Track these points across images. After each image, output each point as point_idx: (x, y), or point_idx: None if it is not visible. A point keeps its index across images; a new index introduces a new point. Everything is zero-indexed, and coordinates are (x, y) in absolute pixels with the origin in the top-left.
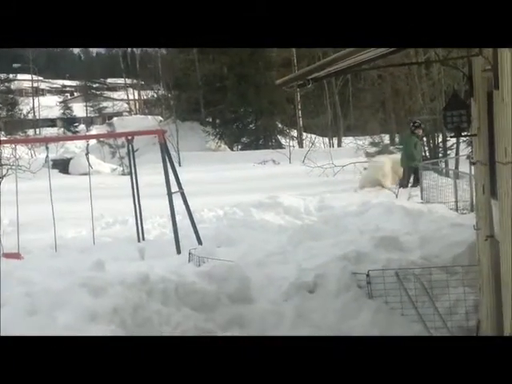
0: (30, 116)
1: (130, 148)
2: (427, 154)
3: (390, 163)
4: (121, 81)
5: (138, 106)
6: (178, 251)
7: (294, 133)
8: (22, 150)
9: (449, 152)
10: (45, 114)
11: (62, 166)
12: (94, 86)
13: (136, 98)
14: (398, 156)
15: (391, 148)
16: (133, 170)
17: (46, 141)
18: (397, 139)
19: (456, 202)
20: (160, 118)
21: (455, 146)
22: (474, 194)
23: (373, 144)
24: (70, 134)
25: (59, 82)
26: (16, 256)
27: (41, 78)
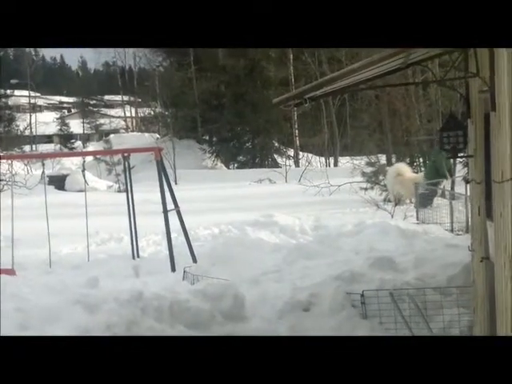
0: (27, 132)
1: (127, 165)
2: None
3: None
4: (118, 98)
5: (134, 124)
6: (173, 269)
7: (291, 152)
8: (18, 166)
9: None
10: (41, 130)
11: (58, 182)
12: (92, 102)
13: (133, 115)
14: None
15: (387, 168)
16: (129, 188)
17: (43, 157)
18: (393, 159)
19: (451, 223)
20: (157, 135)
21: (452, 167)
22: (470, 215)
23: (369, 164)
24: (66, 150)
25: (56, 99)
26: (10, 272)
27: (38, 94)
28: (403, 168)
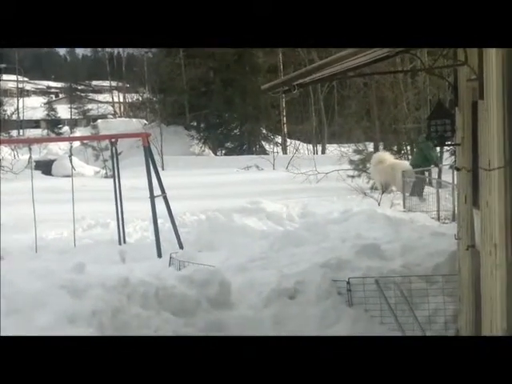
0: (14, 117)
1: (114, 151)
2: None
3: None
4: (106, 83)
5: (122, 109)
6: (159, 255)
7: (279, 139)
8: (5, 151)
9: None
10: (29, 115)
11: (45, 167)
12: (79, 87)
13: (121, 100)
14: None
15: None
16: (116, 173)
17: (30, 142)
18: (381, 147)
19: (438, 211)
20: (144, 121)
21: (439, 155)
22: (456, 203)
23: (357, 152)
24: (53, 135)
25: (44, 84)
26: None
27: (26, 79)
28: (383, 156)
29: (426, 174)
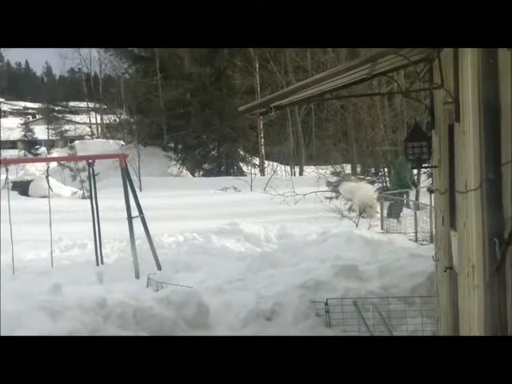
0: None
1: (91, 172)
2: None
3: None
4: (83, 104)
5: (99, 130)
6: (137, 276)
7: (256, 160)
8: None
9: None
10: (6, 135)
11: (22, 188)
12: (57, 108)
13: (98, 121)
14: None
15: (353, 178)
16: (93, 194)
17: (6, 162)
18: (358, 169)
19: (416, 232)
20: (122, 142)
21: (416, 177)
22: (434, 225)
23: (334, 173)
24: (30, 156)
25: (21, 104)
26: None
27: (2, 100)
28: (351, 187)
29: (404, 196)
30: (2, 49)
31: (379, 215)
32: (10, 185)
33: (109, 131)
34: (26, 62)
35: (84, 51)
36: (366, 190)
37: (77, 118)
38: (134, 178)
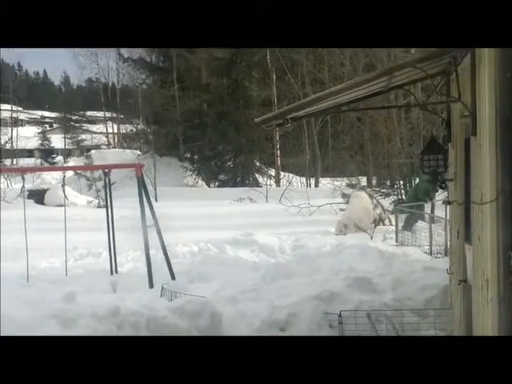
0: (8, 146)
1: (107, 181)
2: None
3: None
4: (100, 114)
5: (116, 140)
6: (151, 285)
7: (272, 172)
8: None
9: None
10: (23, 144)
11: (38, 196)
12: (74, 118)
13: (115, 131)
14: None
15: (368, 190)
16: (108, 203)
17: (23, 171)
18: (374, 181)
19: (430, 245)
20: (138, 152)
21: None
22: (449, 238)
23: (350, 185)
24: (47, 165)
25: (38, 113)
26: None
27: (20, 109)
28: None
29: (419, 208)
30: (21, 59)
31: (394, 227)
32: (26, 193)
33: (125, 141)
34: (44, 71)
35: (102, 61)
36: (354, 206)
37: (94, 128)
38: (149, 187)
